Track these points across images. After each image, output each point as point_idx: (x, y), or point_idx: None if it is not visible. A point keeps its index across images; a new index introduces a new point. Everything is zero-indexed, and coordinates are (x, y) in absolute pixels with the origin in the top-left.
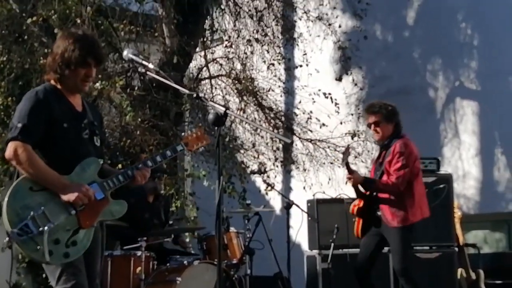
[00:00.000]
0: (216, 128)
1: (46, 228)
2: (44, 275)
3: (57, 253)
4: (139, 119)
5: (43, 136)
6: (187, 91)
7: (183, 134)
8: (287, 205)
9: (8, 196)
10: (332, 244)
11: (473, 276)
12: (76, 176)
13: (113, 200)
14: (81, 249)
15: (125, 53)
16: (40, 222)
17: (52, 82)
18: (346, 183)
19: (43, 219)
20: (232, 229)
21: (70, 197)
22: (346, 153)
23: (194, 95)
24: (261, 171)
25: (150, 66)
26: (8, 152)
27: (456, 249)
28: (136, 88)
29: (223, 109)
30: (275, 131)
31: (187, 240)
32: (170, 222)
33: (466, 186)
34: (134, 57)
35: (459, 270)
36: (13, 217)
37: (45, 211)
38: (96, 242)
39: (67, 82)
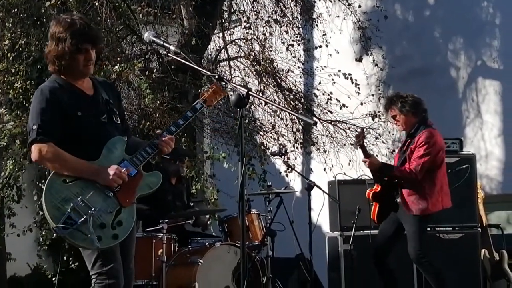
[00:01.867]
0: (238, 109)
1: (88, 215)
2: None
3: (105, 237)
4: (158, 102)
5: (62, 130)
6: (208, 73)
7: (199, 90)
8: (308, 186)
9: (45, 193)
10: (354, 226)
11: (497, 256)
12: (104, 159)
13: (146, 172)
14: (128, 227)
15: (146, 35)
16: (82, 211)
17: (55, 73)
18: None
19: (84, 207)
20: (253, 210)
21: (105, 181)
22: (360, 136)
23: (216, 77)
24: (281, 153)
25: (172, 48)
26: (34, 155)
27: (479, 229)
28: (154, 70)
29: (245, 90)
30: (295, 112)
31: (209, 222)
32: (192, 204)
33: (489, 167)
34: (155, 39)
35: (482, 251)
36: (55, 212)
37: (84, 200)
38: None
39: (69, 71)
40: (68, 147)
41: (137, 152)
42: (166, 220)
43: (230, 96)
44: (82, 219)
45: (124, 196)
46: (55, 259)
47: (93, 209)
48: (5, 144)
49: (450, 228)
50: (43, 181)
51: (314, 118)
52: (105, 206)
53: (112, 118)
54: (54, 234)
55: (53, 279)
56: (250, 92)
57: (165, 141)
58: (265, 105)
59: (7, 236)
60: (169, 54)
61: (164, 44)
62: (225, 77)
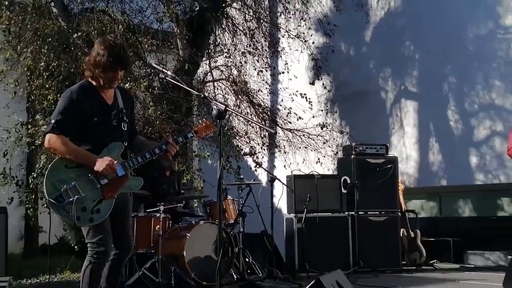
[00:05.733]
0: (218, 121)
1: (75, 198)
2: None
3: (83, 218)
4: (158, 112)
5: (77, 129)
6: (196, 92)
7: (194, 123)
8: (271, 179)
9: (47, 171)
10: (305, 209)
11: (412, 235)
12: (103, 155)
13: (131, 176)
14: (103, 215)
15: (149, 62)
16: (72, 193)
17: (89, 78)
18: None
19: (74, 191)
20: (229, 197)
21: (99, 167)
22: None
23: (202, 95)
24: (251, 153)
25: (168, 72)
26: (45, 142)
27: (399, 214)
28: (156, 88)
29: (224, 106)
30: (263, 122)
31: (195, 205)
32: (182, 191)
33: (408, 166)
34: (155, 66)
35: (401, 230)
36: (51, 189)
37: (76, 185)
38: (126, 203)
39: (98, 80)
40: (78, 143)
41: (130, 159)
42: (163, 203)
43: (212, 110)
44: (69, 199)
45: (108, 190)
46: (77, 232)
47: (81, 194)
48: (40, 142)
49: (378, 212)
50: None
51: (277, 128)
52: (91, 194)
53: (121, 125)
54: None
55: (75, 247)
56: (227, 108)
57: (174, 146)
58: (240, 117)
59: (40, 213)
60: (166, 78)
61: (163, 70)
62: (209, 95)
